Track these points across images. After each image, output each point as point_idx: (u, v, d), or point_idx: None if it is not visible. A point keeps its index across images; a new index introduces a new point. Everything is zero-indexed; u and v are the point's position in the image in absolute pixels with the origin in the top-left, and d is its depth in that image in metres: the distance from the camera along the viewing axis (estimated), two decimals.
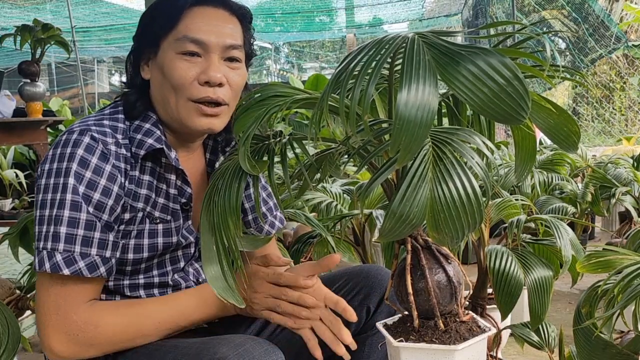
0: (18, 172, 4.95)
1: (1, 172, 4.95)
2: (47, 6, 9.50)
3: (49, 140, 3.88)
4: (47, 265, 0.97)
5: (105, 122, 1.08)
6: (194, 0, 1.08)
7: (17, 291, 1.89)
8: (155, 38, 1.09)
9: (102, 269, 1.01)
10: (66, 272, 0.97)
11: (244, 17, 1.14)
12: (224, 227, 0.91)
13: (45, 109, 3.69)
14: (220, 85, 1.07)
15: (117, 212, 1.05)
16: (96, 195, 1.01)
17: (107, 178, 1.03)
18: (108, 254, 1.03)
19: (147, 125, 1.10)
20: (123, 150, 1.07)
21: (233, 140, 1.25)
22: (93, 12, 9.70)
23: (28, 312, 2.02)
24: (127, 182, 1.07)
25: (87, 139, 1.02)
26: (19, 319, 1.96)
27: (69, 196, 0.99)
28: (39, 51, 3.45)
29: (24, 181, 4.90)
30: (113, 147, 1.05)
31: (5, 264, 3.98)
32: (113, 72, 18.20)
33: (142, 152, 1.08)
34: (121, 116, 1.10)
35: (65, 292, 0.99)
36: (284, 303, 1.04)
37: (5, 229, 1.92)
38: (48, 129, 3.80)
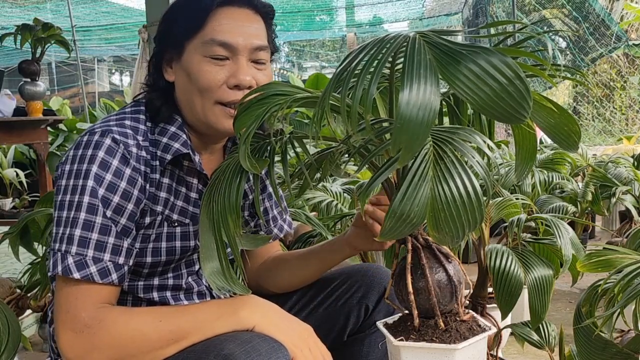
0: (18, 171, 4.95)
1: (1, 172, 4.95)
2: (47, 5, 9.49)
3: (50, 139, 3.88)
4: (59, 268, 0.96)
5: (127, 122, 1.06)
6: (221, 0, 1.06)
7: (18, 290, 1.89)
8: (179, 40, 1.06)
9: (114, 276, 0.99)
10: (76, 275, 0.95)
11: (268, 14, 1.12)
12: (224, 225, 0.92)
13: (45, 108, 3.68)
14: (249, 87, 1.06)
15: (136, 217, 1.03)
16: (116, 198, 1.00)
17: (128, 181, 1.01)
18: (121, 260, 1.00)
19: (173, 129, 1.08)
20: (143, 153, 1.05)
21: None
22: (93, 11, 9.70)
23: (28, 311, 2.03)
24: (147, 185, 1.05)
25: (108, 141, 1.01)
26: (20, 318, 1.97)
27: (86, 198, 0.97)
28: (39, 50, 3.44)
29: (24, 180, 4.89)
30: (134, 149, 1.03)
31: (5, 263, 3.99)
32: (113, 71, 18.20)
33: (168, 157, 1.06)
34: (142, 117, 1.08)
35: (77, 292, 0.97)
36: None
37: (6, 228, 1.92)
38: (48, 128, 3.79)
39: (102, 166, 0.99)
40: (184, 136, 1.08)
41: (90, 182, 0.98)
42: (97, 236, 0.98)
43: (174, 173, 1.10)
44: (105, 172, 0.99)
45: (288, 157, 0.99)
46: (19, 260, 1.83)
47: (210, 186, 0.97)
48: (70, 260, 0.96)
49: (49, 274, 0.98)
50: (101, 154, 1.00)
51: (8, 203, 4.76)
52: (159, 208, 1.08)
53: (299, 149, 1.04)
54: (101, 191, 0.98)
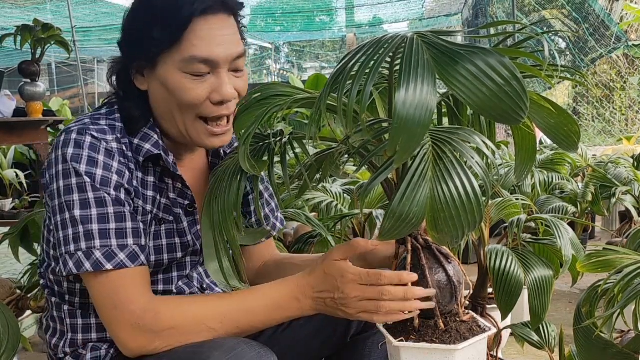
0: (18, 172, 4.94)
1: (1, 172, 4.95)
2: (47, 6, 9.51)
3: (49, 140, 3.88)
4: (88, 265, 0.95)
5: (102, 121, 1.05)
6: (199, 10, 0.99)
7: (18, 291, 1.89)
8: (152, 52, 1.02)
9: (142, 257, 1.00)
10: (109, 266, 0.95)
11: (237, 10, 1.07)
12: (224, 225, 0.92)
13: (45, 108, 3.68)
14: (232, 99, 1.04)
15: (132, 207, 1.03)
16: (112, 192, 1.00)
17: (117, 173, 1.01)
18: (143, 242, 1.01)
19: (144, 129, 1.07)
20: (124, 148, 1.05)
21: (234, 141, 1.24)
22: (93, 12, 9.72)
23: (28, 312, 2.02)
24: (134, 180, 1.05)
25: (88, 138, 1.00)
26: (19, 319, 1.96)
27: (90, 195, 0.98)
28: (39, 51, 3.44)
29: (24, 181, 4.89)
30: (114, 145, 1.03)
31: (5, 264, 3.98)
32: None
33: (140, 158, 1.06)
34: (118, 115, 1.07)
35: (115, 286, 0.96)
36: (387, 304, 0.92)
37: (6, 229, 1.92)
38: (48, 129, 3.79)
39: (90, 163, 0.99)
40: (155, 137, 1.07)
41: (86, 179, 0.98)
42: (115, 225, 0.98)
43: (156, 171, 1.10)
44: (95, 168, 0.99)
45: (288, 157, 0.99)
46: (19, 261, 1.84)
47: (211, 186, 0.97)
48: (97, 254, 0.96)
49: (66, 273, 0.97)
50: (86, 152, 1.00)
51: (8, 204, 4.75)
52: (149, 207, 1.08)
53: (298, 150, 1.04)
54: (98, 185, 0.99)
